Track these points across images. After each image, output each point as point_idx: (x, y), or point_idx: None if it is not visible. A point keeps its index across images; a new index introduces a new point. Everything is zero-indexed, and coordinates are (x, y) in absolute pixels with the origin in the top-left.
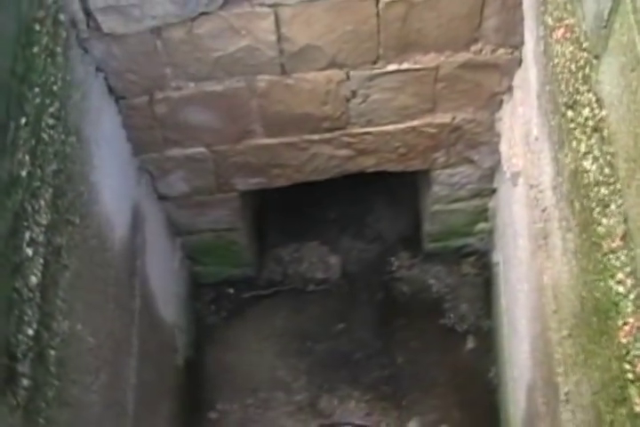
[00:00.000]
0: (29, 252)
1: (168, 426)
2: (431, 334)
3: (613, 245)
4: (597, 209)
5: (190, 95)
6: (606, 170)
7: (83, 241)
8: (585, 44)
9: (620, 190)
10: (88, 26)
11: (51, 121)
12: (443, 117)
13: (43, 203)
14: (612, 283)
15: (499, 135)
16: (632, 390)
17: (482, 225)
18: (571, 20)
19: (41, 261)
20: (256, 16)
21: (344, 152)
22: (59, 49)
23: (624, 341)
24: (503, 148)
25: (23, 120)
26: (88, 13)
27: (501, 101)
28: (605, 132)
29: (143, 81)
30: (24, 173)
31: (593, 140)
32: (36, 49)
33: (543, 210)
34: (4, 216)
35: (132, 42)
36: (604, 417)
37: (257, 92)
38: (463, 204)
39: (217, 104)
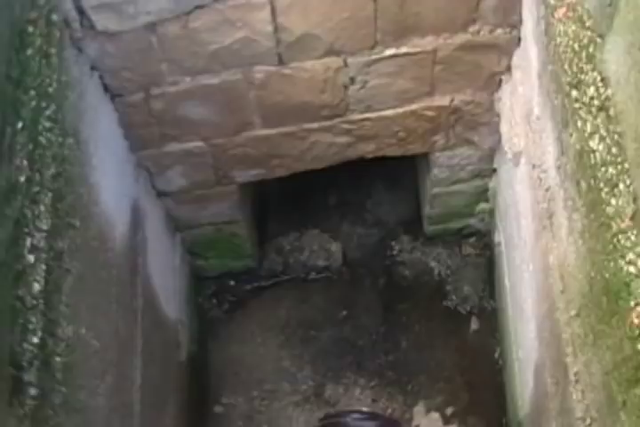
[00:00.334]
0: (31, 258)
1: (174, 424)
2: (435, 316)
3: (623, 225)
4: (605, 189)
5: (187, 90)
6: (614, 149)
7: (84, 244)
8: (588, 23)
9: (628, 170)
10: (81, 25)
11: (47, 124)
12: (441, 100)
13: (43, 208)
14: (622, 263)
15: (498, 116)
16: None
17: (482, 205)
18: None
19: (43, 267)
20: (252, 7)
21: (343, 139)
22: (53, 50)
23: (636, 322)
24: (504, 128)
25: (20, 124)
26: (81, 12)
27: (500, 81)
28: (612, 112)
29: (139, 78)
30: (23, 179)
31: (599, 120)
32: (30, 51)
33: (547, 189)
34: (5, 224)
35: (127, 39)
36: (616, 397)
37: (254, 83)
38: (463, 185)
39: (214, 97)
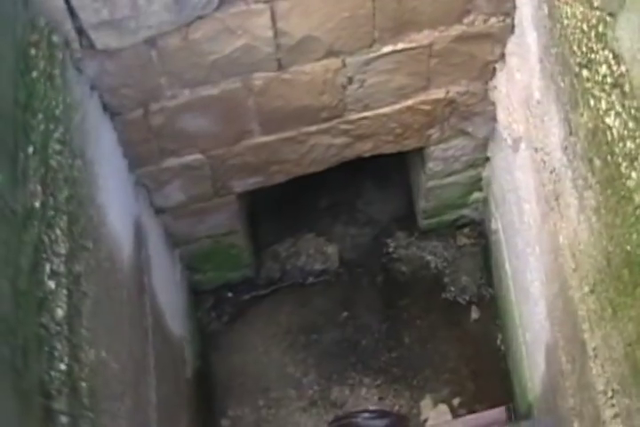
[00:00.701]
0: (52, 284)
1: None
2: (435, 309)
3: None
4: (625, 164)
5: (186, 102)
6: (630, 124)
7: (97, 266)
8: (596, 3)
9: None
10: (81, 45)
11: (57, 146)
12: (437, 93)
13: (59, 232)
14: None
15: (493, 104)
16: None
17: (476, 195)
18: None
19: (64, 292)
20: (252, 13)
21: (341, 140)
22: (56, 71)
23: None
24: (500, 116)
25: (31, 149)
26: (80, 32)
27: (494, 70)
28: (627, 88)
29: (138, 94)
30: (38, 204)
31: (613, 97)
32: (35, 74)
33: (552, 171)
34: (25, 251)
35: (127, 55)
36: None
37: (254, 90)
38: (458, 176)
39: (213, 108)
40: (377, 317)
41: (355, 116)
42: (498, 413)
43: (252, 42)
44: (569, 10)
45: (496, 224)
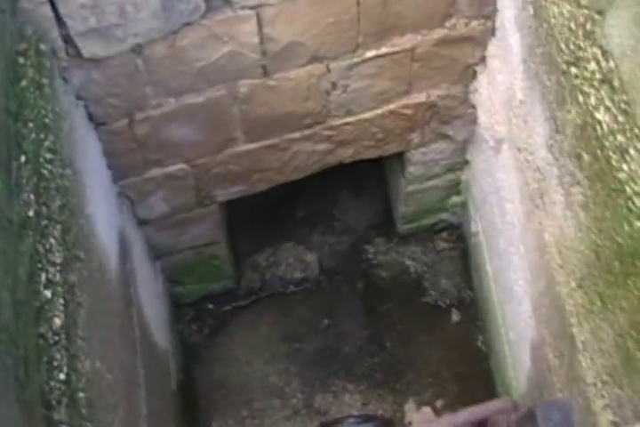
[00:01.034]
0: (48, 294)
1: None
2: (416, 313)
3: (637, 188)
4: (615, 157)
5: (171, 111)
6: (620, 118)
7: (89, 276)
8: (584, 2)
9: (638, 135)
10: (67, 53)
11: (48, 155)
12: (418, 97)
13: (53, 241)
14: (638, 224)
15: (473, 107)
16: None
17: (455, 199)
18: None
19: (61, 301)
20: (238, 20)
21: (324, 146)
22: (45, 80)
23: None
24: (482, 118)
25: (23, 158)
26: (66, 40)
27: (475, 73)
28: (616, 82)
29: (123, 103)
30: (32, 213)
31: (602, 92)
32: (24, 83)
33: (536, 170)
34: (22, 261)
35: (113, 64)
36: (634, 355)
37: (239, 98)
38: (437, 180)
39: (198, 116)
40: (358, 323)
41: (337, 122)
42: (503, 402)
43: (238, 48)
44: (556, 9)
45: (476, 227)
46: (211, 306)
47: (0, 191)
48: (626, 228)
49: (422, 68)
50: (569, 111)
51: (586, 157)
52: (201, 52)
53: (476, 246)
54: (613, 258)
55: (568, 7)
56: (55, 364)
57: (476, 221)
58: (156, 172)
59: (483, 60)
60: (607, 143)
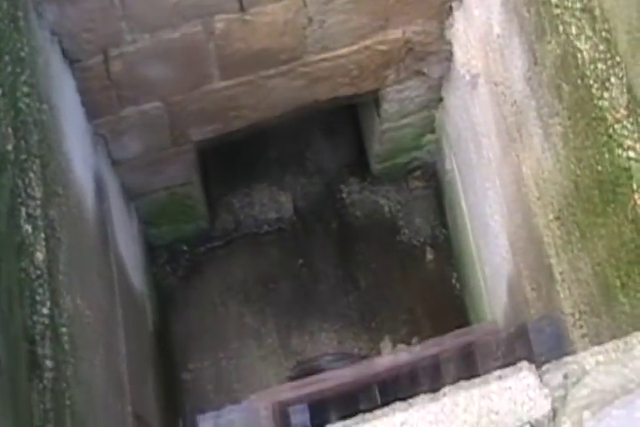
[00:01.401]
0: (29, 228)
1: (153, 394)
2: (390, 252)
3: (618, 115)
4: (596, 85)
5: (146, 47)
6: (601, 46)
7: (68, 213)
8: None
9: (620, 63)
10: None
11: (25, 89)
12: (394, 33)
13: (32, 175)
14: (619, 151)
15: (449, 43)
16: None
17: (429, 137)
18: None
19: (42, 235)
20: None
21: (299, 83)
22: (19, 13)
23: None
24: (458, 54)
25: (0, 91)
26: None
27: (450, 9)
28: (597, 11)
29: (98, 39)
30: (10, 147)
31: (583, 21)
32: None
33: (513, 104)
34: (2, 195)
35: None
36: (613, 282)
37: (215, 33)
38: (412, 117)
39: (173, 53)
40: (332, 263)
41: (313, 58)
42: (488, 324)
43: None
44: None
45: (450, 164)
46: (185, 248)
47: None
48: (606, 155)
49: (398, 3)
50: (549, 42)
51: (565, 87)
52: None
53: (451, 184)
54: (593, 187)
55: None
56: (38, 298)
57: (451, 158)
58: (130, 110)
59: None
60: (588, 72)
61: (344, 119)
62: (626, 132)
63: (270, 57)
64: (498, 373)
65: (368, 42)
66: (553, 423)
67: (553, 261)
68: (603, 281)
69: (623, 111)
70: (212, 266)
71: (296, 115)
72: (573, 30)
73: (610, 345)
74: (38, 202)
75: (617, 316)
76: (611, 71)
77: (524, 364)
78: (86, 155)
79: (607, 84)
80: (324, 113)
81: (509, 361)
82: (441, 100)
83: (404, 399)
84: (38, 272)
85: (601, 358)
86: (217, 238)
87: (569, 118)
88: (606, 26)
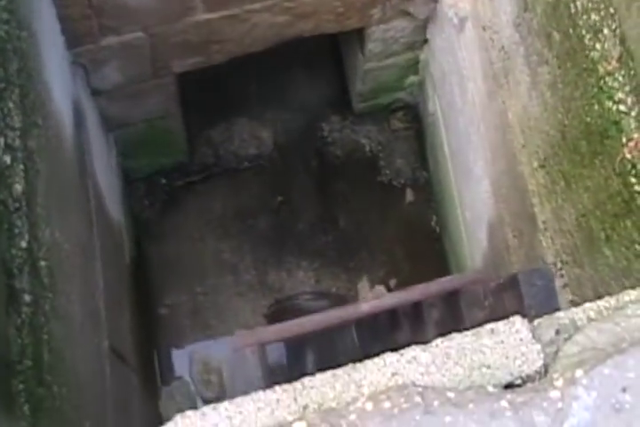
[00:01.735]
0: (7, 159)
1: (130, 329)
2: (370, 192)
3: (609, 67)
4: (588, 35)
5: None
6: None
7: (47, 143)
8: None
9: (613, 14)
10: None
11: (4, 15)
12: None
13: (12, 105)
14: (609, 104)
15: None
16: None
17: (412, 78)
18: None
19: (21, 167)
20: None
21: (283, 18)
22: None
23: (629, 156)
24: None
25: None
26: None
27: None
28: None
29: None
30: None
31: None
32: None
33: (500, 49)
34: None
35: None
36: (598, 235)
37: None
38: (396, 58)
39: None
40: (312, 201)
41: None
42: (475, 273)
43: None
44: None
45: (433, 106)
46: (163, 181)
47: None
48: (596, 107)
49: None
50: None
51: (556, 35)
52: None
53: (433, 126)
54: (580, 138)
55: None
56: (16, 231)
57: (434, 100)
58: (111, 40)
59: None
60: (580, 22)
61: (327, 57)
62: (617, 85)
63: None
64: (490, 326)
65: None
66: (545, 379)
67: (536, 209)
68: (587, 233)
69: (615, 64)
70: (190, 200)
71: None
72: None
73: (601, 302)
74: (17, 132)
75: (600, 268)
76: (604, 22)
77: (517, 318)
78: (65, 84)
79: (600, 36)
80: (307, 51)
81: (497, 312)
82: (426, 41)
83: (382, 341)
84: (17, 205)
85: (592, 314)
86: (196, 173)
87: (558, 67)
88: None
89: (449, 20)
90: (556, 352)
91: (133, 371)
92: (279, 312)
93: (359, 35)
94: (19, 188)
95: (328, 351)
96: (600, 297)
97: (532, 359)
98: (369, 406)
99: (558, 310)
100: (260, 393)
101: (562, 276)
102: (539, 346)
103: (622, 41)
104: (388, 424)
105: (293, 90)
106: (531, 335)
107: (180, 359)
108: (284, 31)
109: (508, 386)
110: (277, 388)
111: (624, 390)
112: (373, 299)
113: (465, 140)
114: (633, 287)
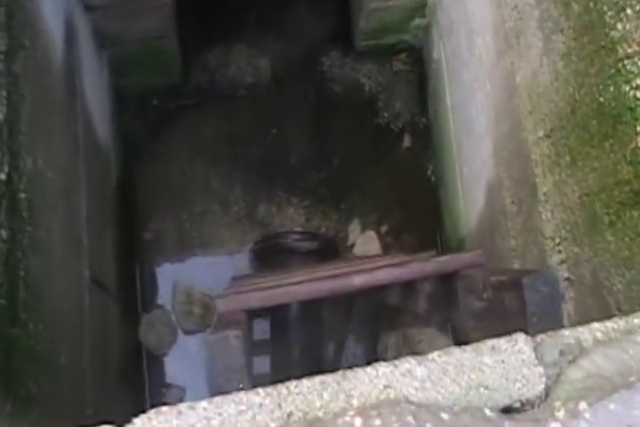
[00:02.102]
0: None
1: (112, 256)
2: (366, 134)
3: (630, 50)
4: (610, 13)
5: None
6: None
7: (34, 66)
8: None
9: None
10: None
11: None
12: None
13: None
14: (626, 88)
15: None
16: None
17: (418, 21)
18: None
19: (4, 93)
20: None
21: None
22: None
23: None
24: None
25: None
26: None
27: None
28: None
29: None
30: None
31: None
32: None
33: (514, 8)
34: None
35: None
36: (601, 218)
37: None
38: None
39: None
40: (307, 136)
41: None
42: (475, 256)
43: None
44: None
45: (438, 53)
46: (156, 102)
47: None
48: (611, 89)
49: None
50: None
51: (575, 6)
52: None
53: (437, 74)
54: (591, 117)
55: None
56: None
57: (439, 47)
58: None
59: None
60: None
61: None
62: (636, 70)
63: None
64: (491, 342)
65: None
66: (545, 405)
67: (538, 180)
68: (590, 214)
69: (636, 47)
70: (182, 124)
71: None
72: None
73: (609, 323)
74: (1, 56)
75: (600, 253)
76: (628, 2)
77: (521, 336)
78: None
79: (622, 15)
80: None
81: (496, 309)
82: None
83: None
84: None
85: (599, 335)
86: (189, 96)
87: (574, 40)
88: None
89: None
90: (559, 375)
91: (113, 299)
92: (266, 250)
93: None
94: (0, 116)
95: (313, 321)
96: (599, 283)
97: (534, 383)
98: (357, 422)
99: (562, 318)
100: (242, 395)
101: (559, 251)
102: (541, 369)
103: None
104: None
105: (295, 21)
106: (534, 356)
107: (163, 288)
108: None
109: (506, 409)
110: (261, 391)
111: None
112: (366, 273)
113: (468, 95)
114: (636, 282)
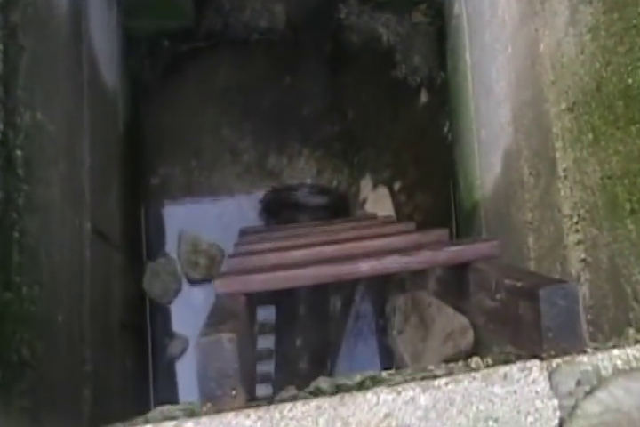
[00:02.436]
0: None
1: (117, 202)
2: (383, 87)
3: None
4: None
5: None
6: None
7: (35, 14)
8: None
9: None
10: None
11: None
12: None
13: None
14: None
15: None
16: None
17: None
18: None
19: (0, 47)
20: None
21: None
22: None
23: None
24: None
25: None
26: None
27: None
28: None
29: None
30: None
31: None
32: None
33: None
34: None
35: None
36: (622, 204)
37: None
38: None
39: None
40: (321, 86)
41: None
42: (490, 246)
43: None
44: None
45: (459, 9)
46: (167, 43)
47: None
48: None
49: None
50: None
51: None
52: None
53: (457, 30)
54: (618, 97)
55: None
56: None
57: (461, 2)
58: None
59: None
60: None
61: None
62: None
63: None
64: (504, 370)
65: None
66: None
67: (558, 154)
68: (611, 197)
69: None
70: (193, 67)
71: None
72: None
73: (631, 350)
74: None
75: (620, 239)
76: None
77: (536, 364)
78: None
79: None
80: None
81: (509, 315)
82: None
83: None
84: None
85: (620, 363)
86: (202, 39)
87: (603, 13)
88: None
89: None
90: (574, 408)
91: (117, 248)
92: (275, 202)
93: None
94: None
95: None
96: (617, 270)
97: (547, 417)
98: None
99: (581, 334)
100: (232, 416)
101: (577, 231)
102: (556, 401)
103: None
104: None
105: None
106: (548, 387)
107: (169, 236)
108: None
109: None
110: (252, 414)
111: None
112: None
113: (489, 56)
114: None
